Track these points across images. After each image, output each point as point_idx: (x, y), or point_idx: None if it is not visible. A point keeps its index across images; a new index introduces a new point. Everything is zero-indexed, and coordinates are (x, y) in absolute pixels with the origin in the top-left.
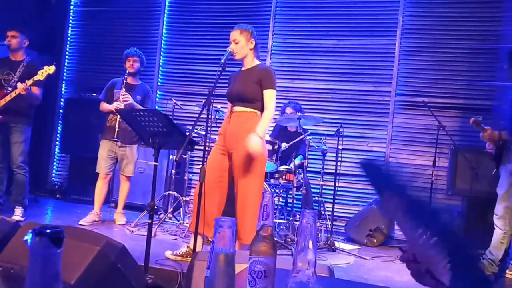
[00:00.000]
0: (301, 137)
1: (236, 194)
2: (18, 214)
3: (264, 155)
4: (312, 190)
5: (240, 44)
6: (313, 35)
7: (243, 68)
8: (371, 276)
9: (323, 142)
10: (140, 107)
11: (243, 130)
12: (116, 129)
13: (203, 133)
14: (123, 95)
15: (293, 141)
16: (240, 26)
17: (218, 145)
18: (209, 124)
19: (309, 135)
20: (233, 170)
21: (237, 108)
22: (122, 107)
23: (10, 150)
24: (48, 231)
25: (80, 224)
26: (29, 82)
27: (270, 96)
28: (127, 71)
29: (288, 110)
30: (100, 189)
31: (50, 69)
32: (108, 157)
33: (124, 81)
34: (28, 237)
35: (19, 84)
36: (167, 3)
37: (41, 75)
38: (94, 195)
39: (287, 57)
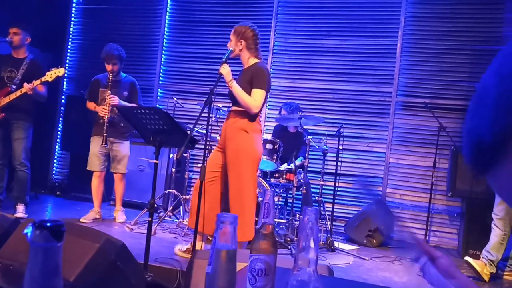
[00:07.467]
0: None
1: (229, 190)
2: (20, 211)
3: (256, 151)
4: (312, 190)
5: (231, 43)
6: (315, 35)
7: (243, 68)
8: (370, 276)
9: (324, 142)
10: (127, 104)
11: (234, 127)
12: (106, 125)
13: (204, 131)
14: (110, 97)
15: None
16: (237, 24)
17: (218, 143)
18: (210, 123)
19: (309, 134)
20: (226, 166)
21: (233, 108)
22: (107, 114)
23: (11, 147)
24: (48, 224)
25: (81, 221)
26: (37, 82)
27: (256, 95)
28: (109, 74)
29: (283, 111)
30: (97, 187)
31: (59, 72)
32: (100, 153)
33: (109, 82)
34: (28, 230)
35: (25, 85)
36: (169, 1)
37: (50, 76)
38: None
39: (289, 57)
